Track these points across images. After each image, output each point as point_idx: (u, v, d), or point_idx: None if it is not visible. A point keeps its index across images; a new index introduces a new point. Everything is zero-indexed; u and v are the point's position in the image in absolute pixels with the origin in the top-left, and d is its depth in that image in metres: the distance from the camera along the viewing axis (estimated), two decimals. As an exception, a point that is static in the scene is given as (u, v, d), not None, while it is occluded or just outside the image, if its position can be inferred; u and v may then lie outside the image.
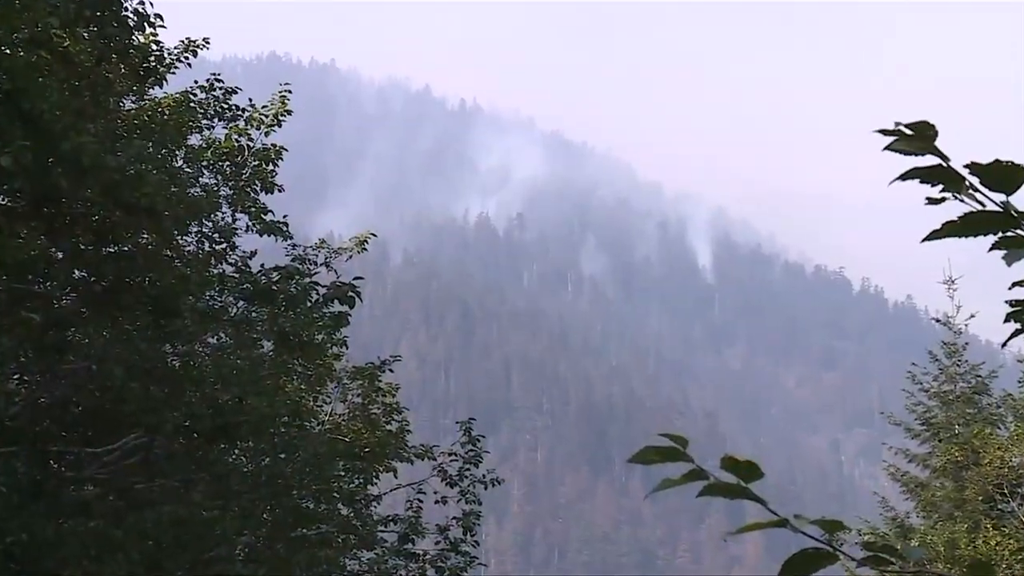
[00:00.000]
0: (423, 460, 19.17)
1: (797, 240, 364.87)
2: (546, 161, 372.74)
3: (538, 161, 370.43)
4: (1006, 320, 2.25)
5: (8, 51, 10.63)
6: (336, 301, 14.96)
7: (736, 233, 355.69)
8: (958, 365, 25.00)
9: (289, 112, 16.79)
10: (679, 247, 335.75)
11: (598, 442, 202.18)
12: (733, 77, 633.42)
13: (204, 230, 15.76)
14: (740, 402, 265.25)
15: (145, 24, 12.85)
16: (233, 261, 15.78)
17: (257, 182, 16.62)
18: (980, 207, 2.08)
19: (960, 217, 2.08)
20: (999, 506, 22.46)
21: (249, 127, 16.63)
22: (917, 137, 2.05)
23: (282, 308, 15.01)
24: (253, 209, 16.44)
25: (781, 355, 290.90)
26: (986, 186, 2.08)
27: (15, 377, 12.30)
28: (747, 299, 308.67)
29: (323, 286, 15.00)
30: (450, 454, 18.59)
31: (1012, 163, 2.06)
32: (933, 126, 2.07)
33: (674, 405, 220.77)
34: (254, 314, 15.23)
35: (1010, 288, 2.24)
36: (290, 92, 16.90)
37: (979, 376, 24.90)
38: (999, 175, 2.06)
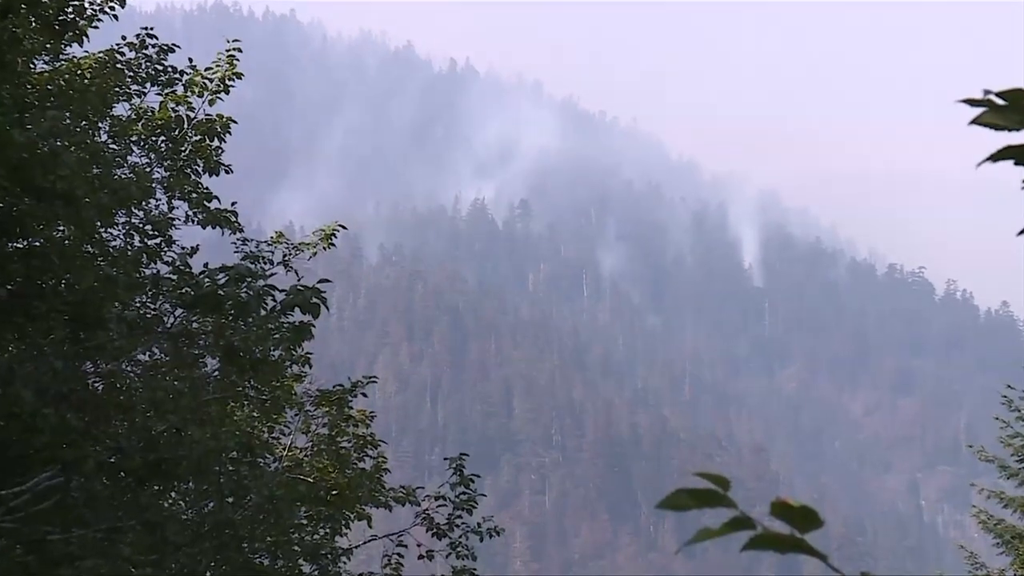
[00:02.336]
0: (404, 505, 19.18)
1: (866, 233, 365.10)
2: (557, 135, 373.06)
3: (547, 135, 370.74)
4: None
5: None
6: (297, 309, 14.94)
7: (791, 224, 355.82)
8: (1065, 388, 24.98)
9: (239, 75, 16.80)
10: (720, 242, 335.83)
11: (620, 483, 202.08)
12: (785, 33, 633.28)
13: (134, 221, 15.76)
14: (796, 434, 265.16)
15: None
16: (170, 259, 15.77)
17: (199, 161, 16.63)
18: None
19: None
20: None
21: (189, 93, 16.64)
22: (1011, 108, 2.04)
23: (230, 318, 14.98)
24: (194, 195, 16.45)
25: (846, 376, 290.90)
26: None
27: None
28: (804, 306, 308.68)
29: (281, 290, 14.98)
30: (437, 498, 18.60)
31: None
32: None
33: (714, 438, 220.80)
34: (195, 325, 15.22)
35: None
36: (240, 50, 16.91)
37: (1090, 402, 24.87)
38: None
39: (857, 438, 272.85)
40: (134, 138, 16.42)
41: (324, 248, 17.88)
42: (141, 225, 15.86)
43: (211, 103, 16.73)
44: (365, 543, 19.16)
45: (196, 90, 16.65)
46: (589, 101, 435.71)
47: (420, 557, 18.28)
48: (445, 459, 18.83)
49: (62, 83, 15.26)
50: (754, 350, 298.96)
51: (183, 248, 15.92)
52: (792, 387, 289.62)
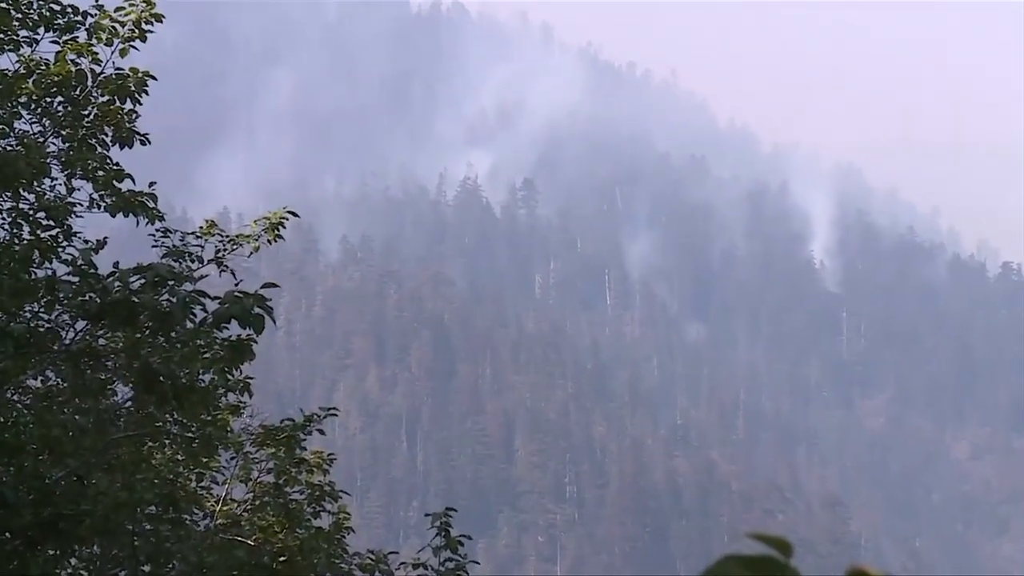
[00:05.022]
0: (372, 575, 19.20)
1: (973, 222, 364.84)
2: (572, 94, 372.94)
3: (559, 94, 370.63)
4: None
5: None
6: (234, 321, 14.97)
7: (875, 210, 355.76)
8: None
9: (159, 17, 16.80)
10: (783, 232, 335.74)
11: (654, 547, 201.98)
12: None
13: (22, 207, 15.77)
14: (882, 482, 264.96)
15: None
16: (69, 257, 15.79)
17: (107, 129, 16.63)
18: None
19: None
20: None
21: (95, 41, 16.63)
22: None
23: (147, 332, 15.02)
24: (101, 173, 16.45)
25: (948, 408, 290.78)
26: None
27: None
28: (893, 317, 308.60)
29: (213, 297, 15.02)
30: (416, 565, 18.62)
31: None
32: None
33: (776, 488, 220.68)
34: (102, 341, 15.23)
35: None
36: (161, -15, 16.94)
37: None
38: None
39: (962, 489, 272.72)
40: (23, 99, 16.42)
41: (269, 242, 17.90)
42: (32, 212, 15.87)
43: (123, 53, 16.73)
44: (323, 624, 19.19)
45: (103, 37, 16.65)
46: (614, 50, 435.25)
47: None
48: (426, 515, 18.86)
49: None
50: (828, 374, 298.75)
51: (87, 242, 15.93)
52: (878, 422, 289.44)
